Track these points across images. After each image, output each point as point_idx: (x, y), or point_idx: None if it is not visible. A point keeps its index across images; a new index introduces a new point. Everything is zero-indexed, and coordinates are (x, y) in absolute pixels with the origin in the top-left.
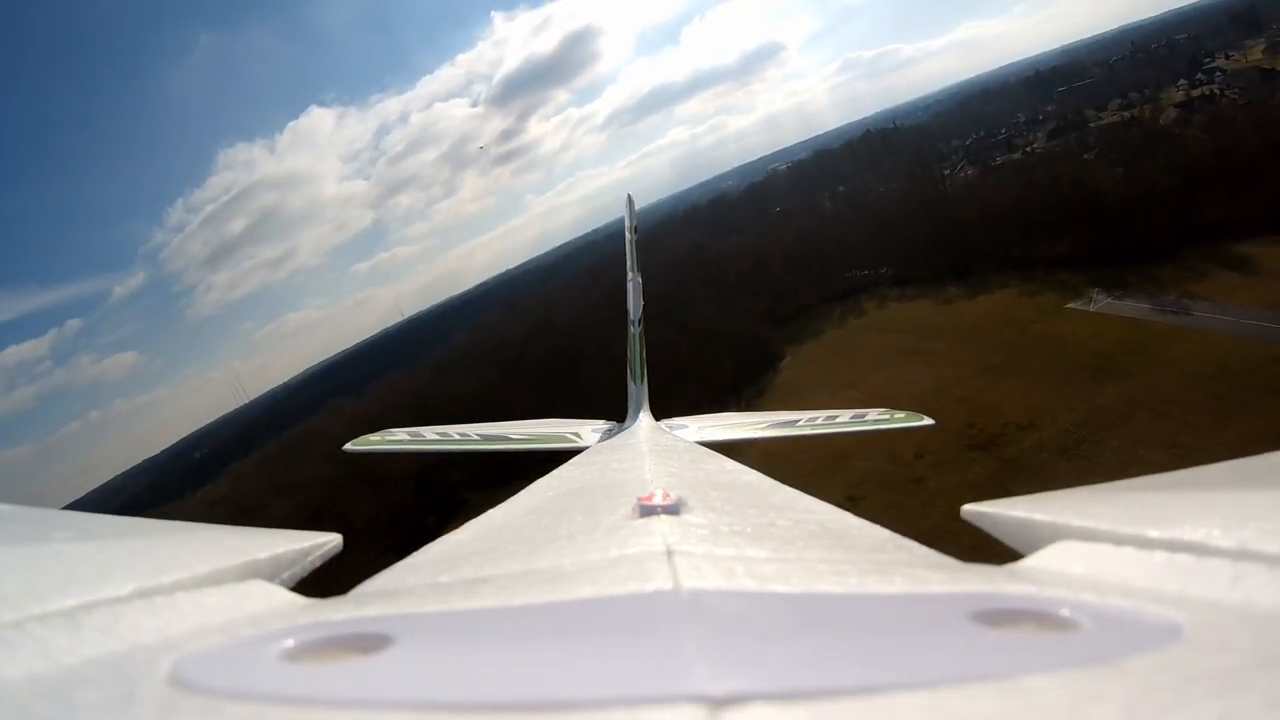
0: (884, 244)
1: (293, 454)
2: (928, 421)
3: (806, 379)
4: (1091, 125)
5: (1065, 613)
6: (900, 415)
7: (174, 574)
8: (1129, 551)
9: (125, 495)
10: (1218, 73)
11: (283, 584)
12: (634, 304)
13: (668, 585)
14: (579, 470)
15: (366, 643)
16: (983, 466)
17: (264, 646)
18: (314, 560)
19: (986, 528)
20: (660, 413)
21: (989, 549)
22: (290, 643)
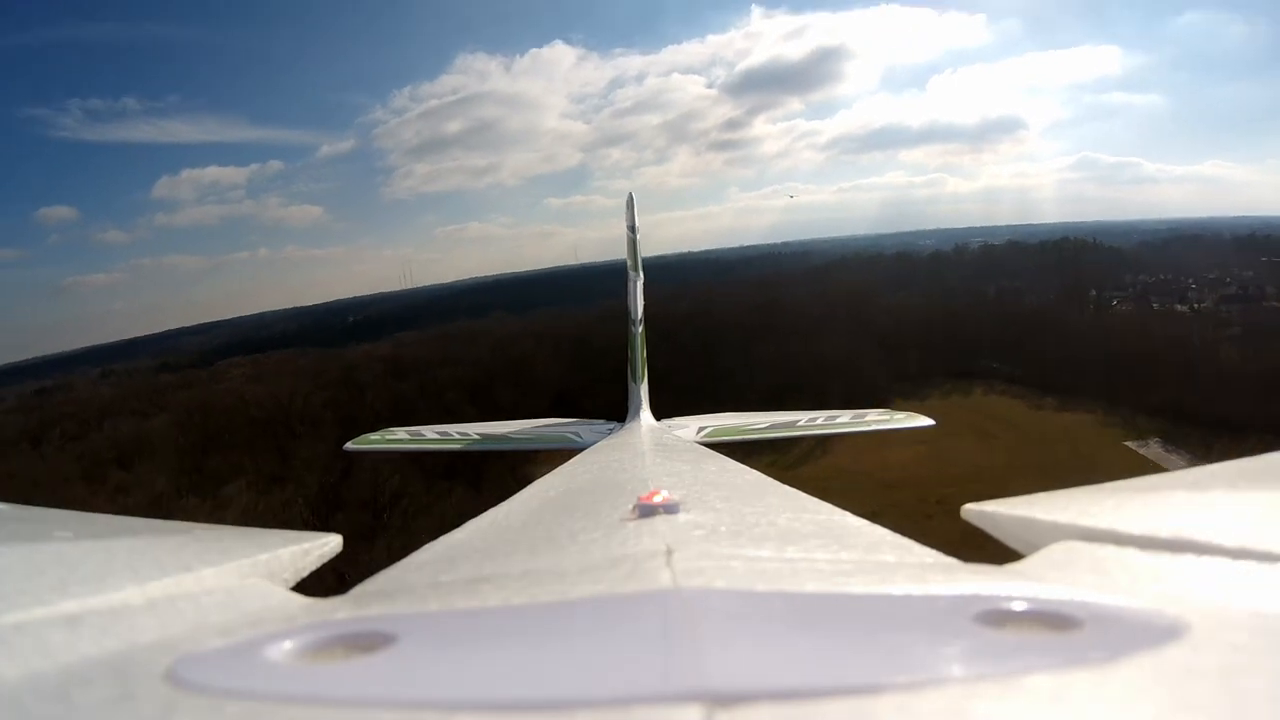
0: (1016, 344)
1: (457, 340)
2: (927, 422)
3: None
4: (1267, 303)
5: (1066, 612)
6: (900, 416)
7: (173, 574)
8: (1130, 551)
9: (274, 330)
10: None
11: (282, 584)
12: (635, 304)
13: (668, 585)
14: (579, 470)
15: (367, 642)
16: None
17: (264, 646)
18: (313, 560)
19: (987, 528)
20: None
21: (989, 549)
22: (290, 642)
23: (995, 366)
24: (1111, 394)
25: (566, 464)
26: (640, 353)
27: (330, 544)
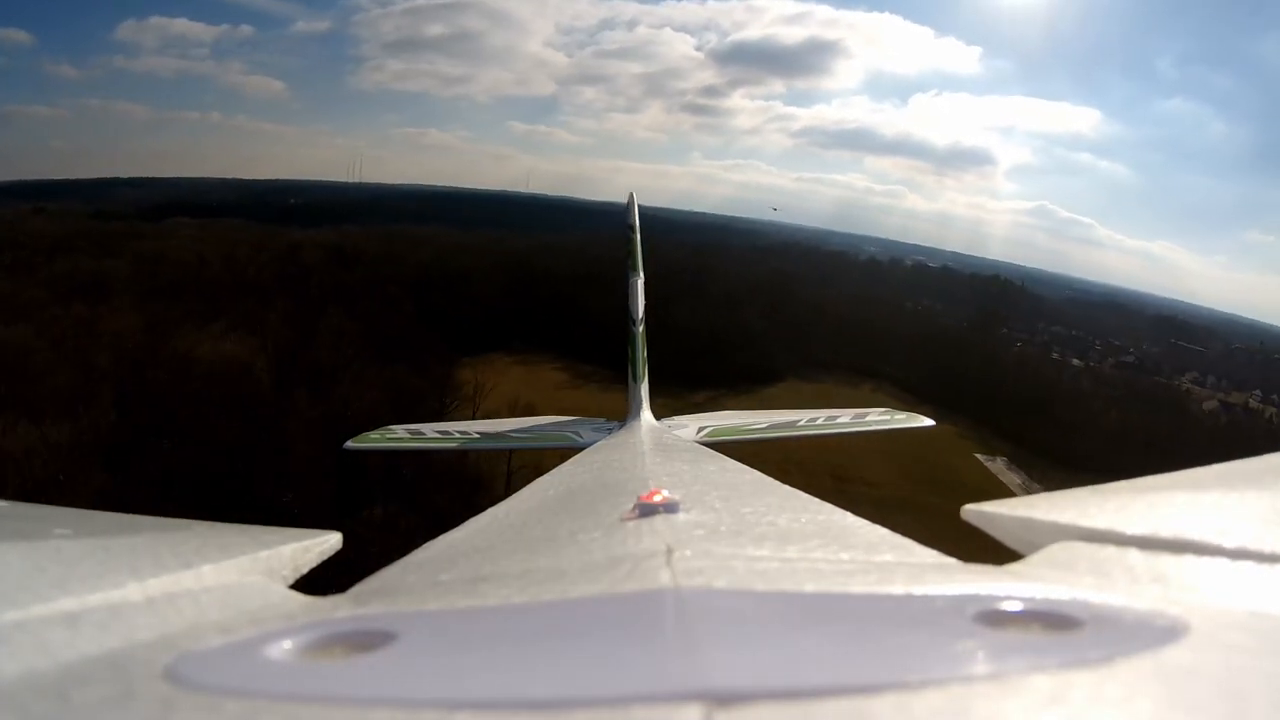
0: (914, 356)
1: (400, 241)
2: (927, 422)
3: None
4: (1156, 378)
5: (1066, 613)
6: (900, 416)
7: (173, 571)
8: (1130, 552)
9: (212, 198)
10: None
11: (282, 581)
12: (636, 304)
13: (668, 584)
14: (579, 469)
15: (366, 641)
16: None
17: (263, 644)
18: (313, 558)
19: (987, 528)
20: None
21: (989, 549)
22: (290, 641)
23: (888, 370)
24: (977, 413)
25: (566, 463)
26: (641, 353)
27: (330, 542)
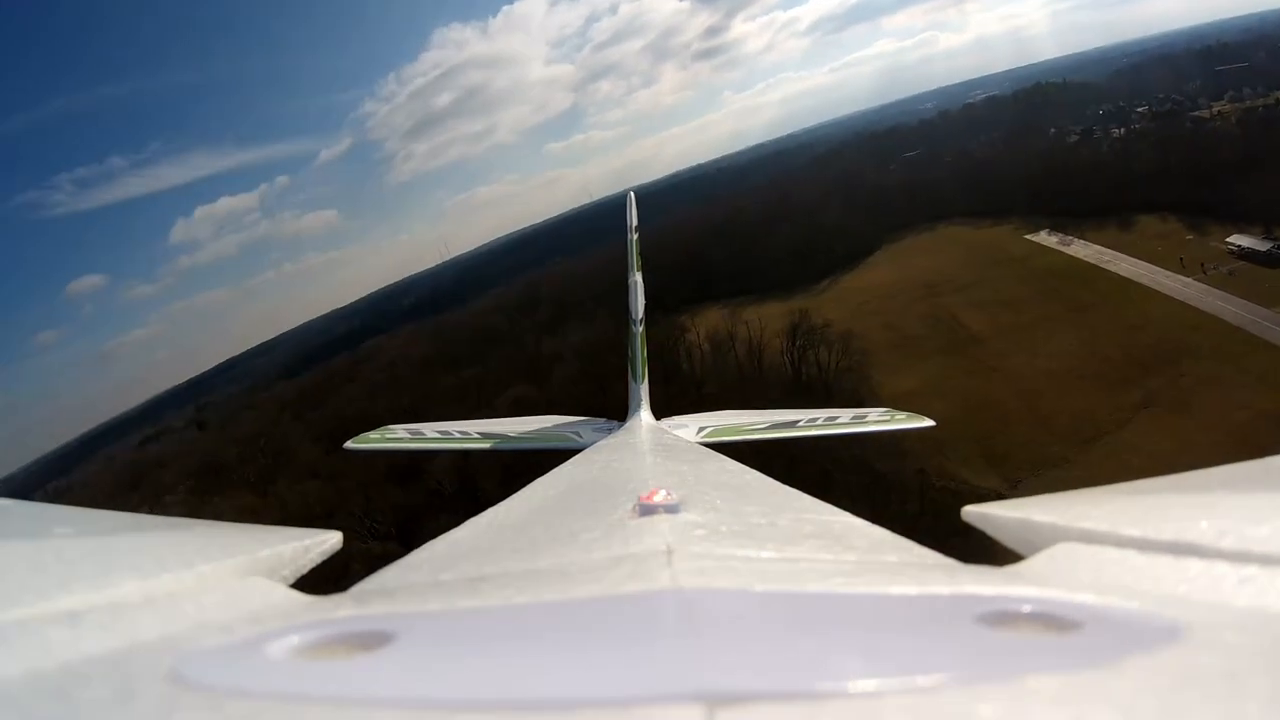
0: (973, 184)
1: (529, 285)
2: (928, 422)
3: (899, 251)
4: (1192, 113)
5: (1066, 614)
6: (901, 416)
7: (174, 571)
8: (1130, 553)
9: (325, 336)
10: None
11: (282, 581)
12: (635, 304)
13: (668, 584)
14: (580, 469)
15: (368, 640)
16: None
17: (265, 644)
18: (314, 557)
19: (987, 529)
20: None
21: (989, 549)
22: (291, 640)
23: (953, 206)
24: (1024, 210)
25: (567, 463)
26: (641, 352)
27: (330, 541)
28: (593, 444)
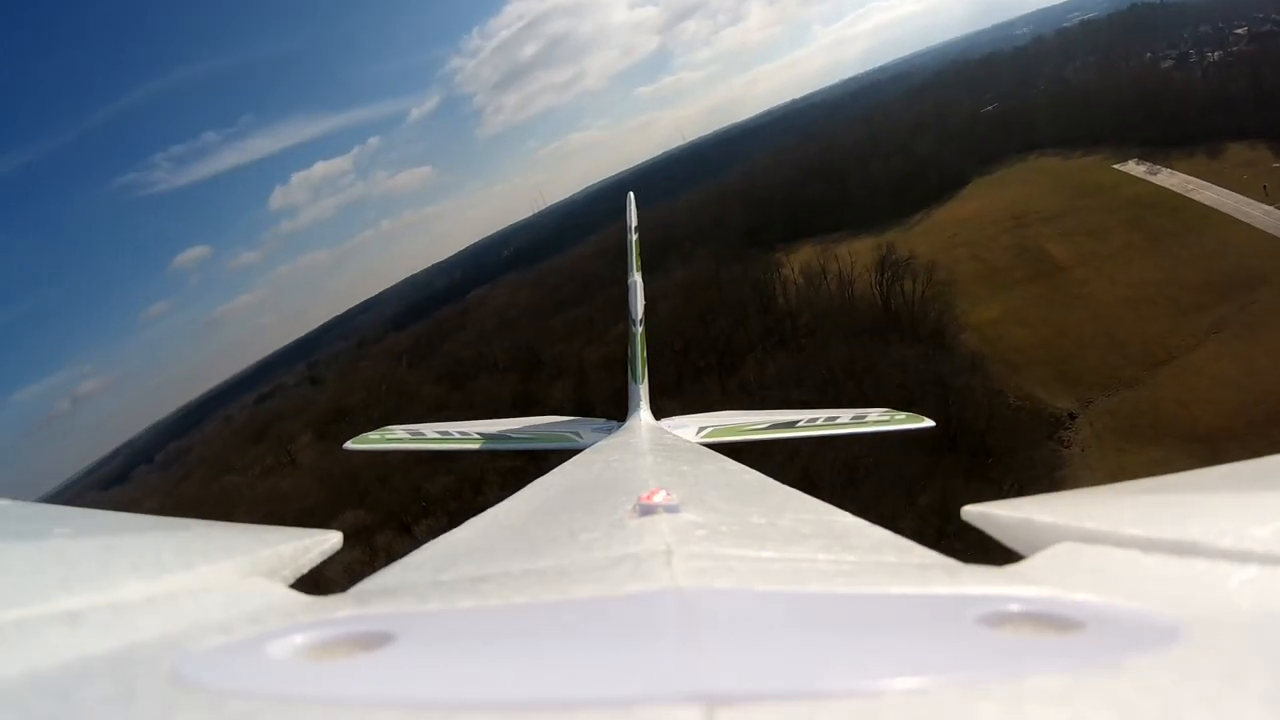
0: (1065, 117)
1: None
2: (928, 423)
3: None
4: None
5: (1067, 614)
6: (901, 416)
7: (175, 571)
8: (1130, 553)
9: (427, 290)
10: None
11: (282, 581)
12: (635, 305)
13: (668, 585)
14: (580, 469)
15: (368, 640)
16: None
17: (265, 644)
18: (314, 557)
19: (988, 529)
20: None
21: (989, 549)
22: (291, 640)
23: (1045, 135)
24: (1115, 139)
25: (566, 463)
26: (641, 352)
27: (330, 541)
28: (592, 444)
